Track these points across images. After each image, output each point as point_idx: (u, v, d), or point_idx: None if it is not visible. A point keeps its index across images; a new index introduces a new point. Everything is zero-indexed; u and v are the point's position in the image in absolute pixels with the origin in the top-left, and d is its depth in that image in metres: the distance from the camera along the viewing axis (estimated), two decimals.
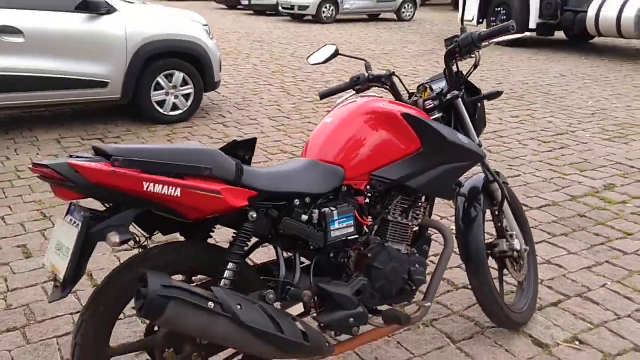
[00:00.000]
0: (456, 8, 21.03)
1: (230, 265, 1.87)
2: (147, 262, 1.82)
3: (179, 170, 1.74)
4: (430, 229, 2.36)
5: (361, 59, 2.55)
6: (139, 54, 5.66)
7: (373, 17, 17.76)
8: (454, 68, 2.36)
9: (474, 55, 2.27)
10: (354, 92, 2.53)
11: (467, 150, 2.24)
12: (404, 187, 2.17)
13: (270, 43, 11.76)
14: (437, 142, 2.17)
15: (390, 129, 2.12)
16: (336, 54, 2.52)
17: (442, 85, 2.41)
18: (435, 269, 2.28)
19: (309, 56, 2.63)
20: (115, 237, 1.68)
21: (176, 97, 6.01)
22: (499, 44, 2.42)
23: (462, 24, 11.19)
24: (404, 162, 2.14)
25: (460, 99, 2.34)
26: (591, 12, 10.37)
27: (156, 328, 1.94)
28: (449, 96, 2.33)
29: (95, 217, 1.72)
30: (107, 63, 5.56)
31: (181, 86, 6.00)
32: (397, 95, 2.46)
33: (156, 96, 5.89)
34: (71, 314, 2.73)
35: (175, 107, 6.03)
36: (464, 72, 2.36)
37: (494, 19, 11.90)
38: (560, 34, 11.88)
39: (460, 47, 2.24)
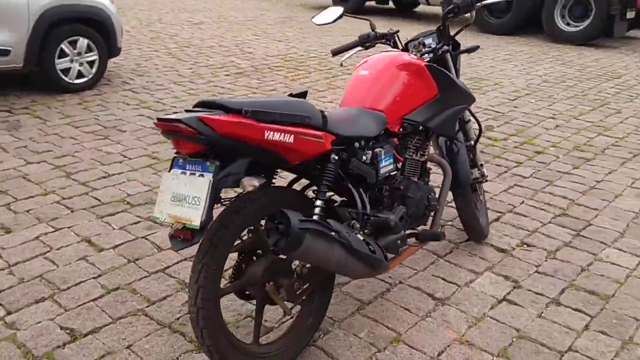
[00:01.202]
0: None
1: (318, 202, 2.04)
2: (252, 204, 1.93)
3: (290, 119, 1.88)
4: (429, 162, 2.69)
5: (366, 19, 2.78)
6: (42, 20, 5.22)
7: None
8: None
9: (467, 15, 2.60)
10: (362, 48, 2.73)
11: (467, 94, 2.60)
12: (425, 127, 2.46)
13: (131, 9, 11.16)
14: (450, 88, 2.49)
15: (416, 78, 2.40)
16: (342, 15, 2.71)
17: (430, 40, 2.72)
18: (440, 195, 2.62)
19: (314, 17, 2.79)
20: (253, 182, 1.79)
21: (81, 64, 5.64)
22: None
23: None
24: (426, 106, 2.44)
25: (449, 52, 2.68)
26: None
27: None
28: (442, 50, 2.65)
29: None
30: (8, 30, 5.07)
31: (85, 53, 5.64)
32: (401, 48, 2.72)
33: (60, 64, 5.49)
34: (94, 277, 2.67)
35: (80, 75, 5.66)
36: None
37: None
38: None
39: (459, 8, 2.55)
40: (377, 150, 2.26)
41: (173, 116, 1.75)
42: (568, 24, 9.44)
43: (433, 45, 2.69)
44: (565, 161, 4.29)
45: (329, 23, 2.76)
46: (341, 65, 2.98)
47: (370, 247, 2.06)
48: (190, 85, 6.03)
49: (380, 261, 2.09)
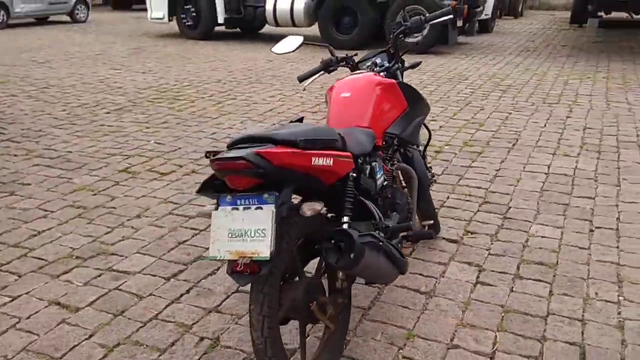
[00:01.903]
0: (120, 7, 20.63)
1: (345, 219, 2.17)
2: (293, 229, 2.00)
3: (326, 144, 1.99)
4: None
5: (325, 45, 2.95)
6: None
7: (42, 20, 16.27)
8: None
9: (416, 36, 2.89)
10: (325, 73, 2.90)
11: (427, 104, 2.88)
12: (400, 138, 2.70)
13: None
14: (416, 100, 2.76)
15: (391, 95, 2.64)
16: (302, 43, 2.86)
17: (380, 60, 2.97)
18: (412, 199, 2.87)
19: (273, 47, 2.91)
20: (316, 206, 1.88)
21: None
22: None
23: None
24: (400, 119, 2.68)
25: (399, 69, 2.96)
26: (268, 6, 11.60)
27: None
28: (394, 67, 2.91)
29: None
30: None
31: None
32: (356, 70, 2.92)
33: None
34: (86, 339, 2.52)
35: None
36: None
37: (185, 15, 12.30)
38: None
39: (410, 29, 2.83)
40: (373, 164, 2.44)
41: (231, 154, 1.79)
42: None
43: (386, 64, 2.95)
44: (463, 156, 4.81)
45: (290, 52, 2.89)
46: (304, 90, 3.12)
47: (400, 252, 2.24)
48: (74, 128, 5.69)
49: (406, 263, 2.27)
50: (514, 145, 5.09)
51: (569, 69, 8.75)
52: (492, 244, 3.33)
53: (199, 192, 2.16)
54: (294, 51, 2.91)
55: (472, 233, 3.46)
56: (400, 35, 2.92)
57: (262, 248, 1.82)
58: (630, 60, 9.45)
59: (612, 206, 3.80)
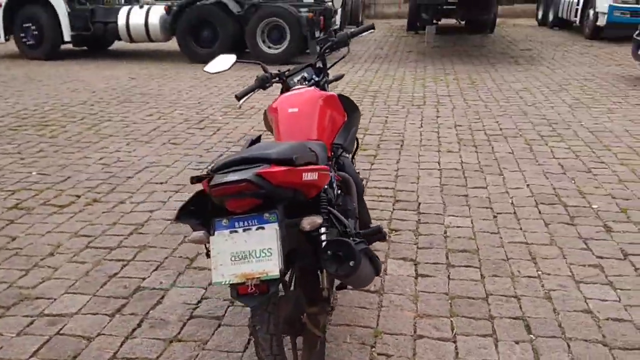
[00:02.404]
0: None
1: (322, 229, 2.23)
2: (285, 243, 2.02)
3: (309, 159, 2.04)
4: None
5: (257, 63, 2.97)
6: None
7: None
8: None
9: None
10: (261, 89, 2.92)
11: (360, 114, 3.02)
12: (343, 148, 2.81)
13: None
14: (352, 111, 2.89)
15: (333, 108, 2.74)
16: (236, 61, 2.87)
17: (306, 74, 3.05)
18: (354, 204, 3.00)
19: (205, 66, 2.88)
20: (317, 220, 1.91)
21: None
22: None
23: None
24: (342, 130, 2.79)
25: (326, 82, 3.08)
26: (120, 21, 11.10)
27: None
28: (323, 81, 3.02)
29: None
30: None
31: None
32: (288, 86, 2.98)
33: None
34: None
35: None
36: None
37: (25, 34, 11.33)
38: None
39: (336, 43, 2.95)
40: (330, 175, 2.53)
41: (233, 177, 1.78)
42: (269, 47, 10.55)
43: (315, 78, 3.05)
44: (362, 160, 5.05)
45: (224, 70, 2.88)
46: (239, 107, 3.10)
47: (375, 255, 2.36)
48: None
49: (381, 265, 2.39)
50: (401, 146, 5.46)
51: (422, 73, 9.50)
52: (417, 238, 3.57)
53: (177, 219, 2.10)
54: (228, 69, 2.90)
55: (396, 231, 3.68)
56: (327, 50, 3.04)
57: (271, 267, 1.83)
58: (469, 63, 10.49)
59: (504, 193, 4.26)
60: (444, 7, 13.46)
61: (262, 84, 2.93)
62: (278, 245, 1.84)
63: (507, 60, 10.67)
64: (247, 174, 1.80)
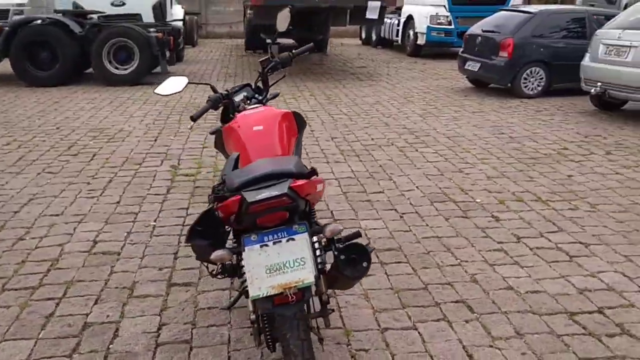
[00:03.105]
0: None
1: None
2: None
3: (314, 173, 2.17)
4: None
5: (207, 84, 3.00)
6: None
7: None
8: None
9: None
10: (213, 109, 2.94)
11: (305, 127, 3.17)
12: None
13: None
14: (303, 126, 3.03)
15: (290, 124, 2.86)
16: (187, 83, 2.87)
17: (247, 93, 3.13)
18: None
19: (156, 89, 2.85)
20: (338, 227, 2.04)
21: None
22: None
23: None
24: (297, 143, 2.92)
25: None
26: None
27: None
28: (265, 99, 3.13)
29: None
30: None
31: None
32: (234, 105, 3.02)
33: None
34: None
35: None
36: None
37: None
38: None
39: (280, 64, 3.07)
40: None
41: (272, 192, 1.86)
42: (117, 68, 10.11)
43: (258, 97, 3.14)
44: None
45: (176, 93, 2.86)
46: (190, 129, 3.07)
47: None
48: None
49: None
50: None
51: (284, 90, 9.78)
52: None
53: (189, 240, 2.10)
54: (180, 92, 2.89)
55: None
56: (269, 71, 3.15)
57: (306, 275, 1.93)
58: (318, 80, 11.03)
59: (400, 195, 4.67)
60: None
61: (215, 104, 2.96)
62: (310, 253, 1.94)
63: (349, 77, 11.43)
64: (282, 188, 1.89)
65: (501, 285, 3.25)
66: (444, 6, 14.21)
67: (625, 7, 13.58)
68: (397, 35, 15.89)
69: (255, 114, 2.86)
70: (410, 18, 15.04)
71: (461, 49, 10.15)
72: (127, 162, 5.53)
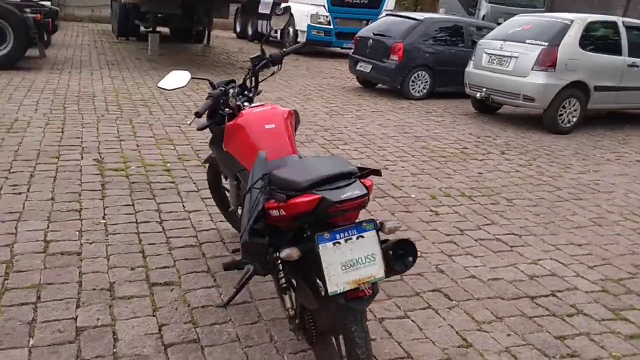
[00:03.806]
0: None
1: None
2: None
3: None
4: None
5: (206, 79, 2.94)
6: None
7: None
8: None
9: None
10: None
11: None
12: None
13: None
14: (298, 122, 3.07)
15: (292, 122, 2.91)
16: (191, 78, 2.81)
17: (234, 90, 3.09)
18: None
19: (160, 82, 2.76)
20: (397, 224, 2.14)
21: None
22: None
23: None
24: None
25: None
26: None
27: None
28: (254, 95, 3.13)
29: None
30: None
31: None
32: (232, 98, 2.99)
33: None
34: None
35: None
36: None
37: None
38: None
39: (272, 61, 3.08)
40: None
41: (355, 192, 1.93)
42: None
43: (250, 94, 3.12)
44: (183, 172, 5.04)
45: (181, 87, 2.76)
46: (189, 124, 2.96)
47: None
48: None
49: None
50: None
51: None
52: None
53: (248, 240, 2.11)
54: (185, 86, 2.80)
55: None
56: (259, 68, 3.14)
57: (377, 270, 2.04)
58: (207, 73, 10.78)
59: None
60: (161, 15, 13.40)
61: (217, 100, 2.92)
62: (379, 249, 2.04)
63: (240, 70, 11.32)
64: (361, 188, 1.97)
65: (465, 274, 3.56)
66: (324, 6, 14.63)
67: (484, 18, 15.11)
68: (275, 32, 16.02)
69: (263, 112, 2.87)
70: (290, 15, 15.25)
71: (352, 50, 10.58)
72: (41, 155, 5.07)
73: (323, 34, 14.75)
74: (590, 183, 5.70)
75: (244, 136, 2.79)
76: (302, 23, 14.75)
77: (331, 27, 14.70)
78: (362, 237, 2.04)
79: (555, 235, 4.30)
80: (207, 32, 13.90)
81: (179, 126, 6.52)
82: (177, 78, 2.95)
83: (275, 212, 2.18)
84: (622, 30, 7.95)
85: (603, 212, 4.90)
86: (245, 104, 3.08)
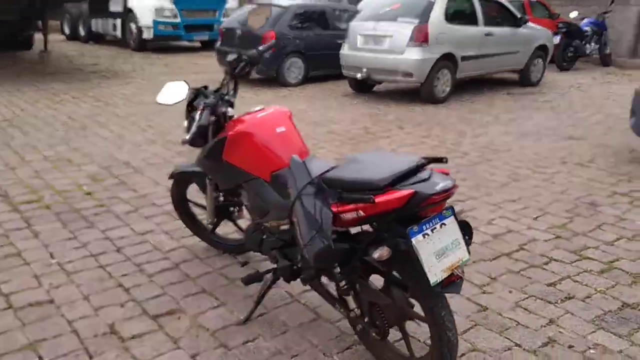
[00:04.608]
0: None
1: None
2: None
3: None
4: None
5: (205, 87, 2.86)
6: None
7: None
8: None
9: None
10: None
11: None
12: None
13: None
14: None
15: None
16: (189, 88, 2.68)
17: (214, 96, 2.97)
18: None
19: (157, 97, 2.61)
20: (463, 209, 2.23)
21: None
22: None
23: None
24: None
25: None
26: None
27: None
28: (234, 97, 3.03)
29: None
30: None
31: None
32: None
33: None
34: None
35: None
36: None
37: None
38: None
39: (250, 63, 2.98)
40: None
41: (447, 184, 1.99)
42: None
43: (232, 100, 2.99)
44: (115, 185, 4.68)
45: (181, 101, 2.58)
46: (183, 143, 2.76)
47: None
48: None
49: None
50: (165, 164, 5.23)
51: (45, 92, 8.54)
52: None
53: (331, 245, 2.10)
54: (185, 100, 2.61)
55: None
56: (240, 71, 3.02)
57: (463, 253, 2.14)
58: (59, 82, 9.87)
59: None
60: None
61: (215, 109, 2.79)
62: (460, 234, 2.13)
63: (96, 76, 10.52)
64: (449, 179, 2.04)
65: None
66: None
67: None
68: (114, 30, 15.08)
69: (270, 115, 2.79)
70: (129, 11, 14.39)
71: (219, 42, 10.36)
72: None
73: (172, 28, 14.19)
74: (488, 145, 6.28)
75: (254, 143, 2.68)
76: (146, 19, 14.02)
77: (178, 20, 14.18)
78: (444, 224, 2.11)
79: (490, 195, 4.70)
80: (44, 36, 12.59)
81: (68, 144, 5.96)
82: (175, 90, 2.75)
83: (349, 215, 2.16)
84: (476, 2, 8.76)
85: (514, 169, 5.45)
86: (229, 109, 2.97)
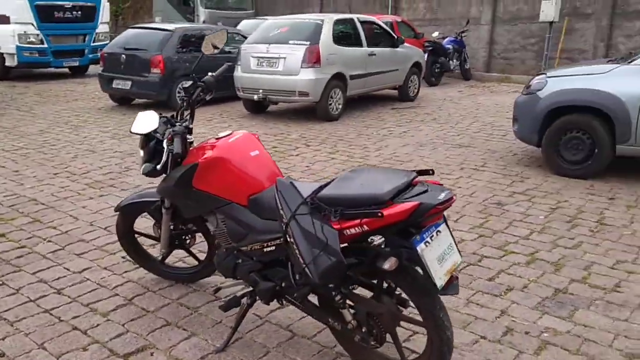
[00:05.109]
0: None
1: None
2: None
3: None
4: None
5: (171, 115, 2.77)
6: None
7: None
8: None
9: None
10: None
11: None
12: None
13: None
14: None
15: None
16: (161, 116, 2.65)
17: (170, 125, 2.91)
18: None
19: (132, 127, 2.58)
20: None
21: None
22: None
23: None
24: None
25: None
26: None
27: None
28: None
29: None
30: None
31: None
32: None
33: None
34: None
35: None
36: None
37: None
38: None
39: (207, 88, 2.95)
40: None
41: (447, 195, 2.13)
42: None
43: (190, 126, 2.93)
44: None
45: (151, 131, 2.54)
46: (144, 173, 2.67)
47: None
48: None
49: None
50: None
51: None
52: None
53: (343, 261, 2.15)
54: (157, 128, 2.53)
55: None
56: (198, 96, 2.97)
57: (458, 256, 2.31)
58: None
59: None
60: None
61: (185, 137, 2.74)
62: (452, 238, 2.29)
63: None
64: (447, 190, 2.18)
65: None
66: (32, 24, 13.10)
67: (204, 22, 15.45)
68: None
69: (240, 139, 2.80)
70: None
71: (101, 68, 9.88)
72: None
73: (37, 55, 13.23)
74: (392, 157, 6.63)
75: (229, 168, 2.66)
76: (8, 45, 12.94)
77: (45, 45, 13.26)
78: (440, 231, 2.25)
79: (477, 213, 4.97)
80: None
81: None
82: (147, 120, 2.64)
83: (352, 230, 2.22)
84: (358, 25, 9.21)
85: None
86: (189, 136, 2.91)
